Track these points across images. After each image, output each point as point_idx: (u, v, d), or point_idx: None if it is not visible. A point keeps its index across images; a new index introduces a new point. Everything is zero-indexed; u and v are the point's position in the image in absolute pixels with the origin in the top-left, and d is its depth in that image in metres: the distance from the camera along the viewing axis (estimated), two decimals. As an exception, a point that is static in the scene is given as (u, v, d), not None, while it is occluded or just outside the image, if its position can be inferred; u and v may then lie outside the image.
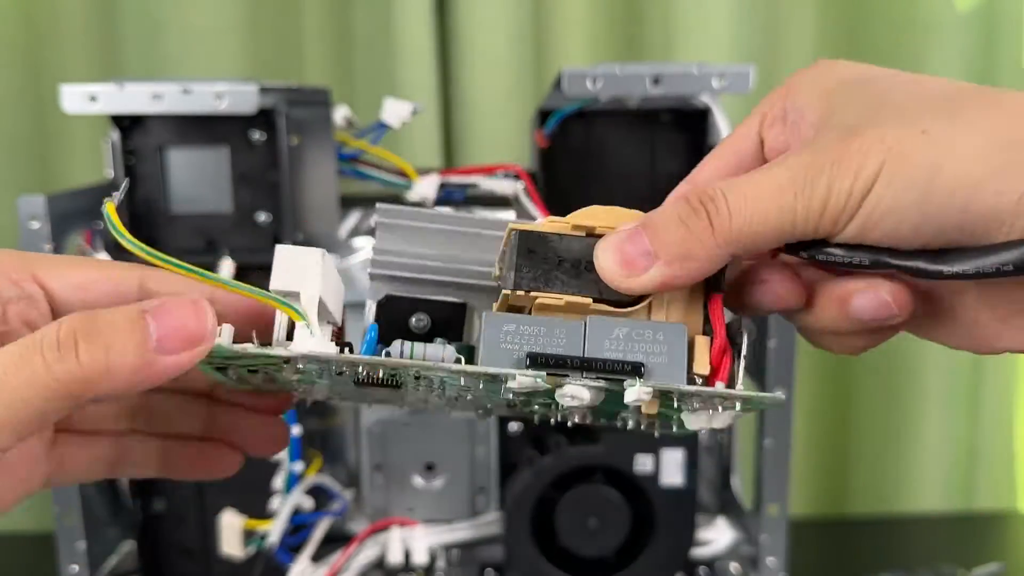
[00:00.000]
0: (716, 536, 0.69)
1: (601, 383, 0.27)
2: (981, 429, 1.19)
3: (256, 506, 0.60)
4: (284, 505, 0.57)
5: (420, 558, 0.62)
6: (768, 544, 0.61)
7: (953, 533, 1.12)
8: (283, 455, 0.58)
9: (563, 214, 0.56)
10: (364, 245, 0.67)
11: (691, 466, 0.60)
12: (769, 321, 0.57)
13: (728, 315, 0.28)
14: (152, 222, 0.62)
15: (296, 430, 0.57)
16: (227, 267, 0.58)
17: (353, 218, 0.67)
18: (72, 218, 0.58)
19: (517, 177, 0.60)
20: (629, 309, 0.28)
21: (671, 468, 0.60)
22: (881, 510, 1.19)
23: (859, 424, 1.20)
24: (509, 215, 0.66)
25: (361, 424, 0.65)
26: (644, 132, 0.62)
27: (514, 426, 0.65)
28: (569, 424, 0.34)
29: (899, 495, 1.19)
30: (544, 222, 0.29)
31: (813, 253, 0.27)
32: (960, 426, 1.17)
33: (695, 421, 0.28)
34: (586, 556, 0.63)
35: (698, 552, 0.67)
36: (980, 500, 1.20)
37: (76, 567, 0.60)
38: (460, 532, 0.65)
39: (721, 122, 0.61)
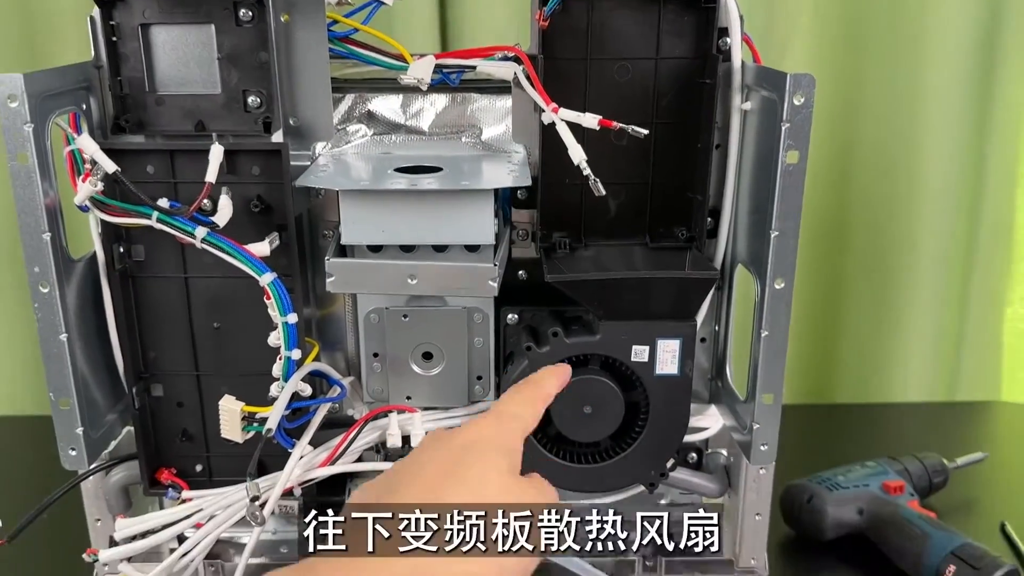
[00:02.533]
0: (708, 424, 0.70)
1: None
2: (969, 320, 1.20)
3: (254, 392, 0.60)
4: (283, 392, 0.58)
5: (419, 443, 0.63)
6: (760, 432, 0.62)
7: (938, 423, 1.14)
8: (280, 343, 0.57)
9: (564, 99, 0.54)
10: (357, 130, 0.65)
11: (687, 356, 0.60)
12: (774, 210, 0.56)
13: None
14: (139, 104, 0.60)
15: (292, 318, 0.57)
16: (216, 152, 0.56)
17: (346, 103, 0.65)
18: (55, 99, 0.56)
19: (517, 60, 0.58)
20: None
21: (667, 358, 0.61)
22: (866, 401, 1.22)
23: (848, 315, 1.21)
24: (506, 102, 0.65)
25: (358, 312, 0.64)
26: (650, 13, 0.59)
27: (511, 316, 0.65)
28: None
29: (885, 386, 1.21)
30: None
31: None
32: (949, 317, 1.18)
33: None
34: (581, 443, 0.64)
35: (690, 439, 0.68)
36: (965, 391, 1.23)
37: (74, 451, 0.61)
38: (458, 419, 0.65)
39: (730, 2, 0.58)
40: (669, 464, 0.65)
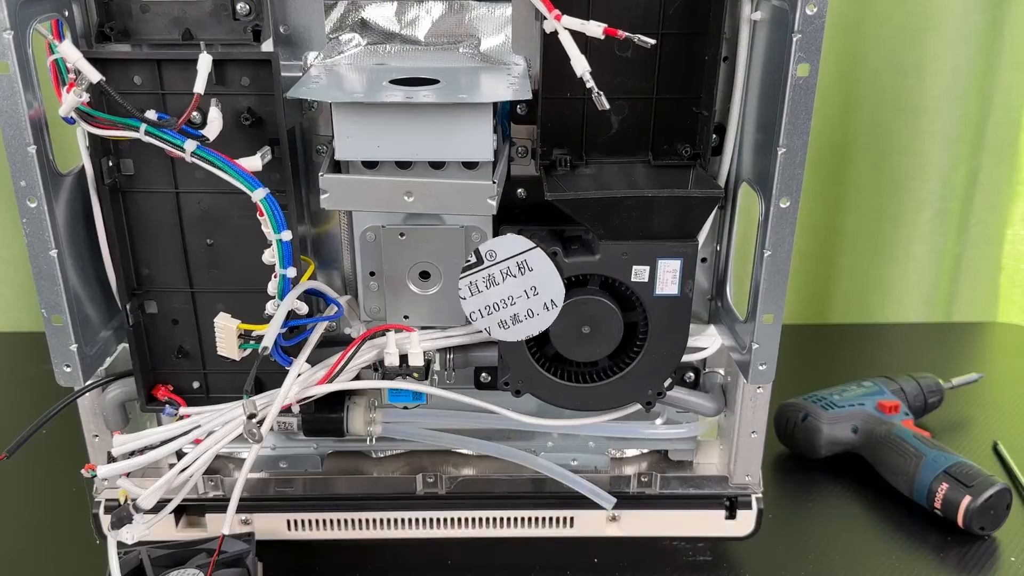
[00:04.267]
0: (706, 344, 0.69)
1: None
2: (968, 242, 1.19)
3: (250, 310, 0.59)
4: (279, 310, 0.57)
5: (416, 361, 0.62)
6: (759, 351, 0.62)
7: (934, 343, 1.15)
8: (275, 260, 0.56)
9: (567, 6, 0.51)
10: (351, 40, 0.63)
11: (687, 276, 0.60)
12: (782, 126, 0.54)
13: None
14: (124, 11, 0.58)
15: (287, 235, 0.55)
16: (204, 62, 0.54)
17: (338, 10, 0.62)
18: (36, 4, 0.54)
19: (517, -35, 0.55)
20: None
21: (667, 278, 0.60)
22: (863, 321, 1.22)
23: (846, 234, 1.20)
24: (506, 10, 0.62)
25: (354, 230, 0.63)
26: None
27: (510, 234, 0.64)
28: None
29: (882, 307, 1.21)
30: None
31: None
32: (949, 238, 1.17)
33: None
34: (579, 362, 0.63)
35: (688, 358, 0.68)
36: (961, 312, 1.23)
37: (69, 368, 0.60)
38: (455, 338, 0.65)
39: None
40: (667, 383, 0.65)
